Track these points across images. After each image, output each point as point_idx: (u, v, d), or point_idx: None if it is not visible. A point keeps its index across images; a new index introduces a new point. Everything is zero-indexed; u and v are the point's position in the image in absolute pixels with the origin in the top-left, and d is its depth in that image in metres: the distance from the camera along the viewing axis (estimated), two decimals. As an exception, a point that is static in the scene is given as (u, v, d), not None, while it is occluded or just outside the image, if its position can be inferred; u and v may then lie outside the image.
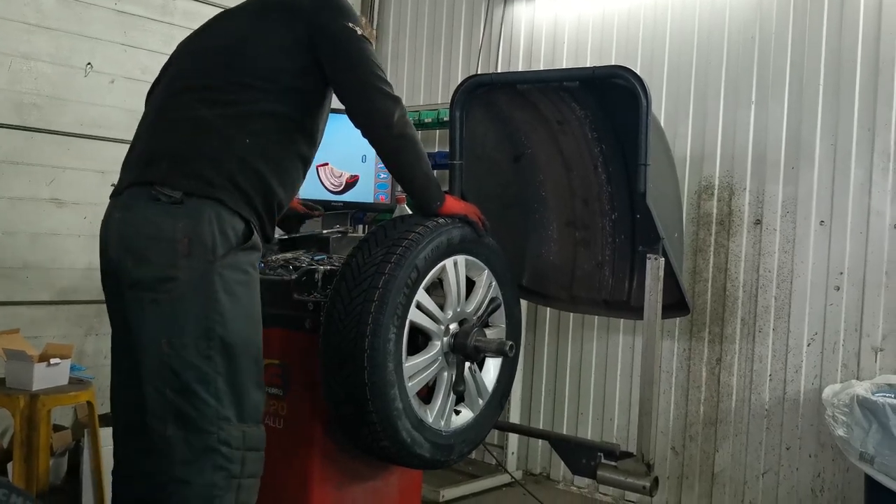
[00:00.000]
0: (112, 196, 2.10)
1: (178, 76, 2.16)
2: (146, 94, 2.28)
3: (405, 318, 2.17)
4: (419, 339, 2.30)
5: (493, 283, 2.48)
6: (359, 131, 2.18)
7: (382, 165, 3.75)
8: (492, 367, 2.54)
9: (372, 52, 2.15)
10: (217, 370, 1.93)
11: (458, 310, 2.36)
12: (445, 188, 2.44)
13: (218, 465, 1.92)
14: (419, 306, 2.21)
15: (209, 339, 1.92)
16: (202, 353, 1.92)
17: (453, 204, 2.34)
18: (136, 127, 2.20)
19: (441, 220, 2.27)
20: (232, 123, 2.03)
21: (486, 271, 2.45)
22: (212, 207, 1.96)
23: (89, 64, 3.81)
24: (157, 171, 2.00)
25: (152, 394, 1.93)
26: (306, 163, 2.20)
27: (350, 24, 2.12)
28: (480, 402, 2.47)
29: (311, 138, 2.18)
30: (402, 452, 2.19)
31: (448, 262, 2.29)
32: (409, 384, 2.19)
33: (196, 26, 2.32)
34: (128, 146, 2.19)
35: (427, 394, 2.35)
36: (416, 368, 2.24)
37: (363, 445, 2.21)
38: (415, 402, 2.22)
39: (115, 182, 2.13)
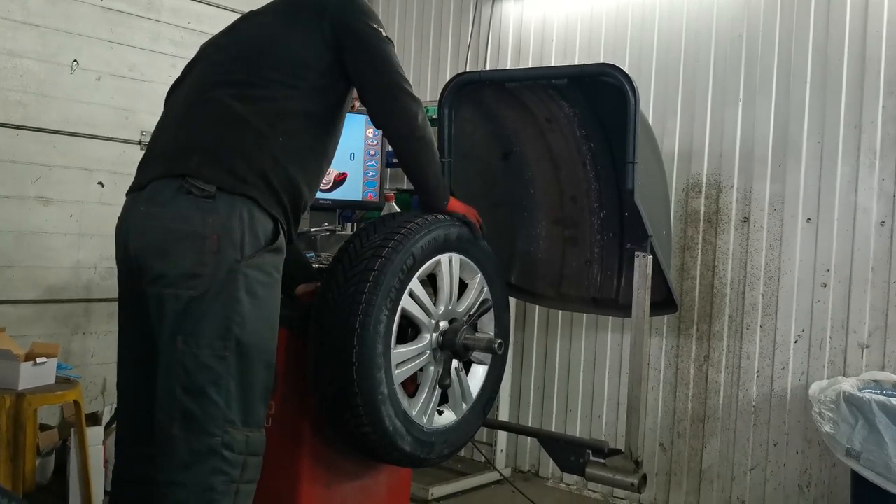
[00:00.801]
0: (131, 191, 2.08)
1: (207, 72, 2.16)
2: (167, 92, 2.27)
3: (398, 303, 2.17)
4: (409, 333, 2.31)
5: (485, 287, 2.49)
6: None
7: (371, 164, 3.75)
8: (478, 372, 2.54)
9: (395, 53, 2.19)
10: (229, 371, 1.91)
11: (450, 307, 2.37)
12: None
13: (218, 469, 1.91)
14: (412, 295, 2.23)
15: (225, 340, 1.90)
16: (217, 353, 1.90)
17: (456, 204, 2.40)
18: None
19: (440, 216, 2.31)
20: (265, 120, 2.03)
21: (479, 275, 2.46)
22: (244, 204, 1.95)
23: (75, 61, 3.78)
24: (188, 164, 1.97)
25: (163, 391, 1.92)
26: (328, 163, 2.24)
27: (375, 26, 2.15)
28: (464, 405, 2.46)
29: (333, 139, 2.21)
30: (384, 441, 2.17)
31: (443, 258, 2.31)
32: (396, 371, 2.19)
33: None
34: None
35: (413, 392, 2.35)
36: (404, 357, 2.24)
37: (345, 431, 2.19)
38: (399, 392, 2.21)
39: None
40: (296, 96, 2.08)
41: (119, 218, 2.08)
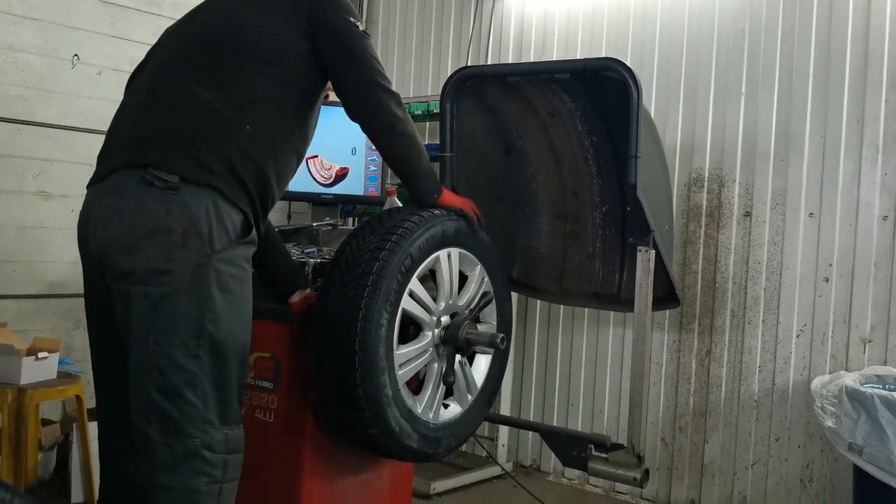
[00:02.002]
0: (92, 183, 2.00)
1: (170, 57, 2.07)
2: (128, 79, 2.19)
3: (398, 304, 2.16)
4: (410, 331, 2.30)
5: (486, 278, 2.48)
6: (356, 125, 2.16)
7: (372, 158, 3.74)
8: (482, 363, 2.53)
9: (372, 48, 2.14)
10: (204, 370, 1.86)
11: (451, 302, 2.36)
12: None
13: (201, 471, 1.86)
14: (412, 295, 2.21)
15: (199, 338, 1.84)
16: (191, 352, 1.84)
17: (450, 196, 2.35)
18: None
19: (437, 212, 2.28)
20: (232, 108, 1.95)
21: (479, 266, 2.45)
22: (209, 196, 1.87)
23: (76, 55, 3.77)
24: (151, 154, 1.89)
25: (137, 392, 1.86)
26: (299, 159, 2.16)
27: (352, 20, 2.10)
28: (469, 397, 2.46)
29: (305, 132, 2.14)
30: (390, 441, 2.17)
31: (442, 254, 2.30)
32: (400, 372, 2.19)
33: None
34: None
35: (417, 387, 2.35)
36: (407, 357, 2.23)
37: (351, 433, 2.19)
38: (404, 391, 2.21)
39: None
40: (265, 84, 2.00)
41: (80, 212, 2.00)
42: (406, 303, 2.19)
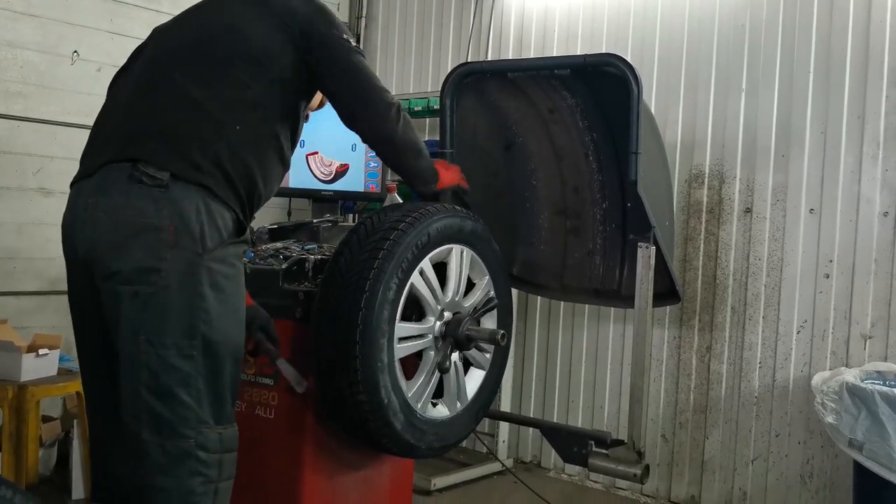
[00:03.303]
0: (77, 180, 1.97)
1: (160, 56, 2.05)
2: (112, 79, 2.17)
3: (408, 276, 2.19)
4: (414, 318, 2.31)
5: (491, 290, 2.49)
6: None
7: (373, 154, 3.74)
8: (475, 376, 2.52)
9: (366, 63, 2.16)
10: (198, 370, 1.83)
11: (456, 299, 2.36)
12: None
13: (195, 471, 1.84)
14: (422, 274, 2.24)
15: (192, 338, 1.82)
16: (184, 352, 1.81)
17: (446, 177, 2.40)
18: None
19: (459, 208, 2.37)
20: (222, 108, 1.94)
21: (487, 277, 2.47)
22: (199, 195, 1.85)
23: (76, 52, 3.77)
24: (140, 149, 1.86)
25: (128, 394, 1.84)
26: (285, 165, 2.15)
27: (345, 37, 2.11)
28: (458, 405, 2.45)
29: (290, 139, 2.13)
30: (377, 414, 2.14)
31: (455, 248, 2.34)
32: (398, 345, 2.20)
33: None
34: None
35: (412, 376, 2.34)
36: (408, 332, 2.24)
37: (339, 398, 2.16)
38: (399, 369, 2.21)
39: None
40: (255, 87, 1.99)
41: (65, 211, 1.97)
42: (415, 279, 2.22)
